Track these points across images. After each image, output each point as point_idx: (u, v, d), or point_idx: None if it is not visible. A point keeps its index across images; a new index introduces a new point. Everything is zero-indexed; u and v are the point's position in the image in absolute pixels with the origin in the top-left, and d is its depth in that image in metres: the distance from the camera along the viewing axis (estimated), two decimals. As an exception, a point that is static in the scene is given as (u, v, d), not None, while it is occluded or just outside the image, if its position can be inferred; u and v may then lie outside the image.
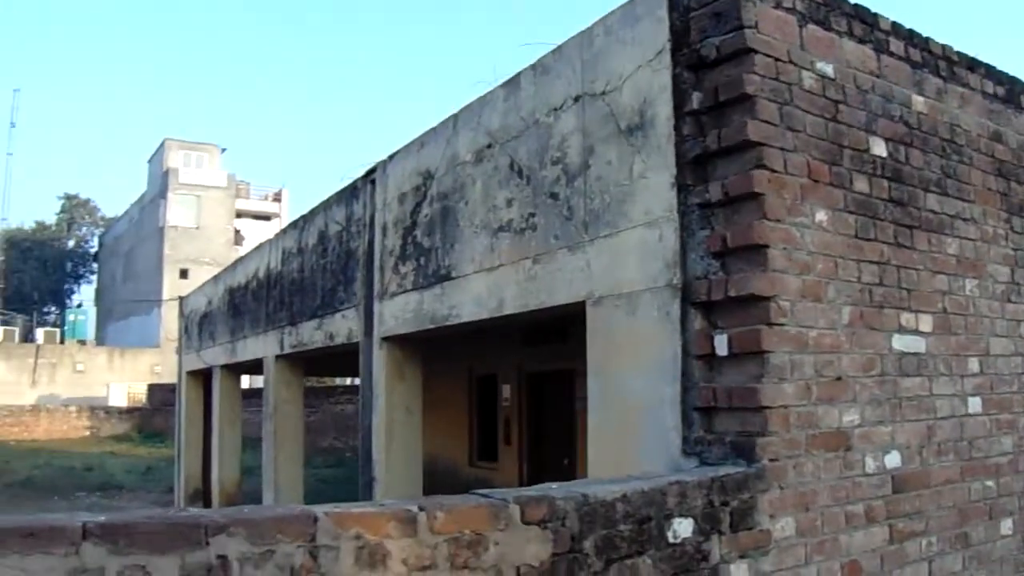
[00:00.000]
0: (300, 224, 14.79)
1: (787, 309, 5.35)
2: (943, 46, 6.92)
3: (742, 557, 5.00)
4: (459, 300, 8.71)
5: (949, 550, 6.33)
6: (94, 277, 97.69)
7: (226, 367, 20.19)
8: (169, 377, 44.49)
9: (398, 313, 10.22)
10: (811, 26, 5.84)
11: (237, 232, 71.73)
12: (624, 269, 6.40)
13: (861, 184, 5.94)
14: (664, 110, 6.02)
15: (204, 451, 22.96)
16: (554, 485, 4.75)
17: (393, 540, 3.82)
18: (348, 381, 41.60)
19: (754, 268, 5.31)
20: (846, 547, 5.59)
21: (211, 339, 21.21)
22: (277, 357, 15.62)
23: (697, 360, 5.65)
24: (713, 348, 5.54)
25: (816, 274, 5.56)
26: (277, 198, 79.63)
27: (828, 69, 5.86)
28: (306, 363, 16.22)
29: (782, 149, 5.44)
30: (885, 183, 6.12)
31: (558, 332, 13.68)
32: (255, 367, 17.74)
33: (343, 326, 12.14)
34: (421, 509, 3.93)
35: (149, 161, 76.50)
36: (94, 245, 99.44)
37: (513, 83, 7.96)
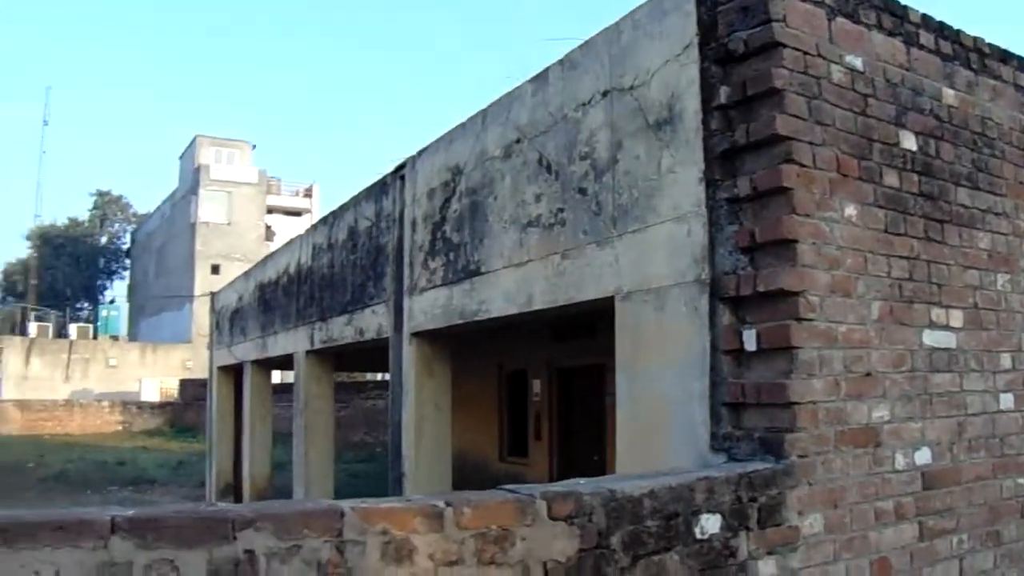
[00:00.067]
0: (330, 220, 14.83)
1: (816, 304, 5.32)
2: (974, 38, 6.85)
3: (770, 553, 4.98)
4: (488, 295, 8.71)
5: (980, 548, 6.28)
6: (126, 273, 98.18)
7: (257, 362, 20.27)
8: (201, 372, 44.62)
9: (427, 308, 10.23)
10: (840, 19, 5.80)
11: (268, 228, 71.95)
12: (652, 264, 6.38)
13: (891, 178, 5.89)
14: (692, 105, 6.00)
15: (235, 446, 23.07)
16: (581, 480, 4.75)
17: (420, 535, 3.83)
18: (379, 376, 41.58)
19: (783, 263, 5.28)
20: (875, 544, 5.56)
21: (242, 334, 21.30)
22: (307, 352, 15.66)
23: (726, 355, 5.63)
24: (742, 343, 5.51)
25: (845, 269, 5.52)
26: (308, 194, 79.78)
27: (857, 62, 5.81)
28: (336, 358, 16.25)
29: (811, 143, 5.40)
30: (915, 177, 6.07)
31: (587, 327, 13.65)
32: (286, 362, 17.80)
33: (373, 321, 12.17)
34: (448, 504, 3.94)
35: (180, 158, 76.83)
36: (126, 241, 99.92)
37: (541, 78, 7.95)
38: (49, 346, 64.96)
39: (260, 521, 3.50)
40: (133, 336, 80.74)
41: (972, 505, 6.24)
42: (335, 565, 3.61)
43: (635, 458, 6.45)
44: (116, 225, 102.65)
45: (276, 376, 23.73)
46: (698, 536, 4.66)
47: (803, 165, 5.34)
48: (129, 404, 55.85)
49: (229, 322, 23.21)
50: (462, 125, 9.51)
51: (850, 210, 5.60)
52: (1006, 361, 6.70)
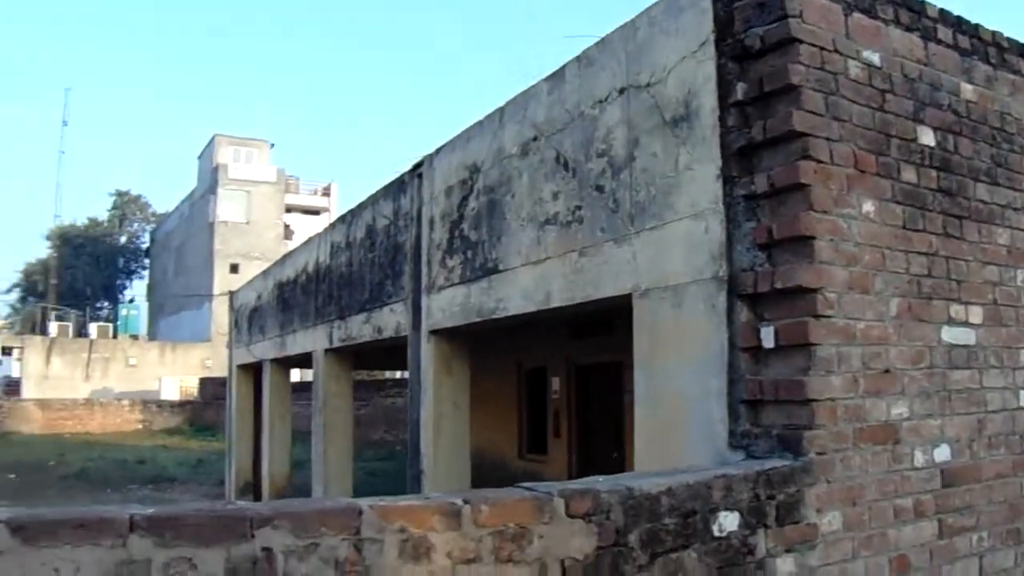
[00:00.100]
0: (348, 218, 14.85)
1: (834, 301, 5.30)
2: (993, 33, 6.82)
3: (788, 551, 4.97)
4: (506, 293, 8.71)
5: (1000, 546, 6.25)
6: (146, 272, 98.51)
7: (276, 361, 20.31)
8: (220, 371, 44.87)
9: (445, 306, 10.24)
10: (856, 14, 5.78)
11: (287, 227, 72.06)
12: (670, 261, 6.37)
13: (909, 174, 5.87)
14: (709, 101, 5.99)
15: (254, 444, 23.10)
16: (599, 478, 4.75)
17: (437, 533, 3.83)
18: (398, 374, 41.70)
19: (800, 260, 5.27)
20: (894, 542, 5.54)
21: (261, 333, 21.35)
22: (326, 351, 15.69)
23: (743, 352, 5.61)
24: (759, 340, 5.50)
25: (863, 265, 5.50)
26: (326, 192, 79.89)
27: (874, 58, 5.79)
28: (355, 357, 16.26)
29: (828, 139, 5.39)
30: (933, 173, 6.04)
31: (605, 325, 13.65)
32: (305, 361, 17.82)
33: (391, 320, 12.18)
34: (466, 502, 3.94)
35: (199, 157, 77.06)
36: (145, 241, 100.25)
37: (558, 76, 7.94)
38: (69, 345, 65.27)
39: (278, 519, 3.51)
40: (152, 335, 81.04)
41: (992, 503, 6.22)
42: (353, 563, 3.62)
43: (653, 455, 6.45)
44: (135, 225, 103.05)
45: (295, 374, 23.79)
46: (716, 534, 4.65)
47: (820, 161, 5.33)
48: (149, 403, 56.02)
49: (248, 321, 23.27)
50: (479, 123, 9.51)
51: (868, 206, 5.58)
52: (1026, 357, 6.67)
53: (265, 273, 21.83)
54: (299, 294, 17.67)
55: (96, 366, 63.79)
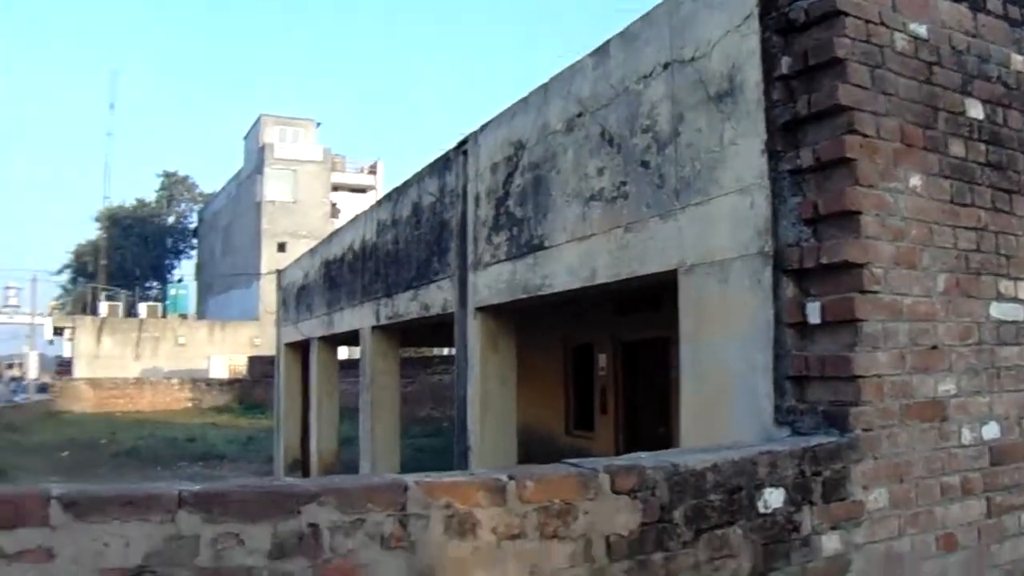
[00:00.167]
0: (394, 196, 14.88)
1: (880, 276, 5.25)
2: (1045, 2, 6.71)
3: (834, 528, 4.95)
4: (552, 270, 8.71)
5: (1050, 525, 6.18)
6: (194, 252, 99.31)
7: (323, 339, 20.43)
8: (268, 349, 45.12)
9: (491, 283, 10.25)
10: (903, -14, 5.70)
11: (333, 205, 72.34)
12: (715, 237, 6.35)
13: (957, 148, 5.78)
14: (753, 75, 5.94)
15: (303, 422, 23.26)
16: (644, 454, 4.74)
17: (483, 509, 3.85)
18: (445, 351, 41.73)
19: (846, 235, 5.22)
20: (941, 520, 5.49)
21: (308, 311, 21.46)
22: (373, 328, 15.76)
23: (789, 328, 5.58)
24: (805, 316, 5.46)
25: (910, 240, 5.44)
26: (372, 170, 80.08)
27: (921, 30, 5.70)
28: (402, 334, 16.33)
29: (874, 113, 5.32)
30: (982, 146, 5.94)
31: (651, 300, 13.59)
32: (352, 338, 17.92)
33: (438, 297, 12.21)
34: (511, 478, 3.95)
35: (245, 137, 77.43)
36: (193, 221, 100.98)
37: (602, 51, 7.92)
38: (119, 325, 66.04)
39: (324, 495, 3.54)
40: (201, 314, 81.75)
41: (1042, 481, 6.14)
42: (398, 539, 3.65)
43: (699, 431, 6.44)
44: (183, 205, 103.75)
45: (343, 352, 23.89)
46: (761, 510, 4.64)
47: (866, 135, 5.26)
48: (198, 381, 56.73)
49: (295, 299, 23.40)
50: (524, 100, 9.50)
51: (915, 180, 5.51)
52: (1077, 334, 6.57)
53: (312, 251, 21.93)
54: (346, 272, 17.75)
55: (146, 345, 64.52)
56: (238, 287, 72.63)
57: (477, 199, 10.73)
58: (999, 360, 5.92)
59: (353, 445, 18.24)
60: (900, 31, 5.56)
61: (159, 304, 78.93)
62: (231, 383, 57.14)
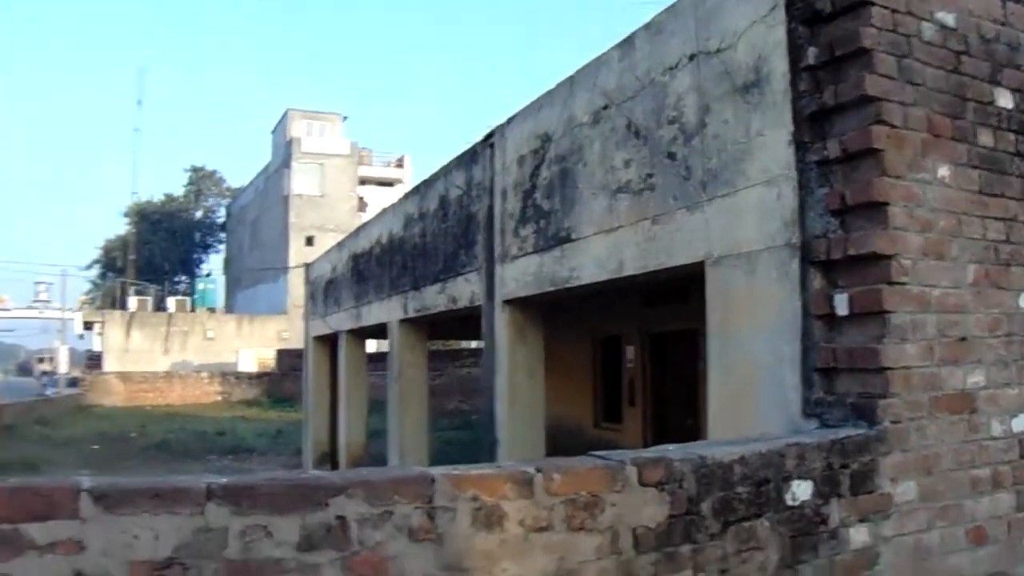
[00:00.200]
0: (421, 189, 14.91)
1: (908, 268, 5.22)
2: (1076, -10, 6.64)
3: (862, 521, 4.93)
4: (579, 262, 8.71)
5: (1082, 520, 6.13)
6: (222, 247, 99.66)
7: (351, 332, 20.48)
8: (297, 343, 45.35)
9: (519, 276, 10.26)
10: (930, -25, 5.66)
11: (361, 199, 72.42)
12: (742, 228, 6.34)
13: (985, 138, 5.73)
14: (779, 66, 5.92)
15: (331, 415, 23.32)
16: (672, 447, 4.74)
17: (510, 501, 3.86)
18: (473, 344, 41.80)
19: (874, 226, 5.20)
20: (971, 513, 5.45)
21: (336, 305, 21.52)
22: (401, 321, 15.79)
23: (817, 320, 5.56)
24: (833, 308, 5.44)
25: (939, 231, 5.40)
26: (399, 164, 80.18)
27: (949, 19, 5.65)
28: (430, 327, 16.34)
29: (901, 103, 5.29)
30: (1011, 136, 5.88)
31: (679, 292, 13.57)
32: (380, 331, 17.94)
33: (465, 290, 12.23)
34: (538, 471, 3.96)
35: (272, 132, 77.58)
36: (221, 215, 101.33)
37: (628, 43, 7.91)
38: (148, 319, 66.48)
39: (351, 488, 3.56)
40: (230, 308, 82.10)
41: (1073, 475, 6.09)
42: (426, 531, 3.67)
43: (727, 423, 6.44)
44: (211, 200, 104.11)
45: (371, 345, 23.94)
46: (789, 503, 4.63)
47: (893, 126, 5.23)
48: (227, 375, 57.03)
49: (323, 293, 23.46)
50: (550, 92, 9.50)
51: (943, 171, 5.47)
52: (1108, 326, 6.52)
53: (340, 245, 21.98)
54: (373, 265, 17.78)
55: (175, 339, 64.91)
56: (266, 281, 72.86)
57: (504, 192, 10.73)
58: (1030, 352, 5.87)
59: (381, 438, 18.28)
60: (927, 20, 5.52)
61: (188, 298, 79.27)
62: (260, 376, 57.39)
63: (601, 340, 20.13)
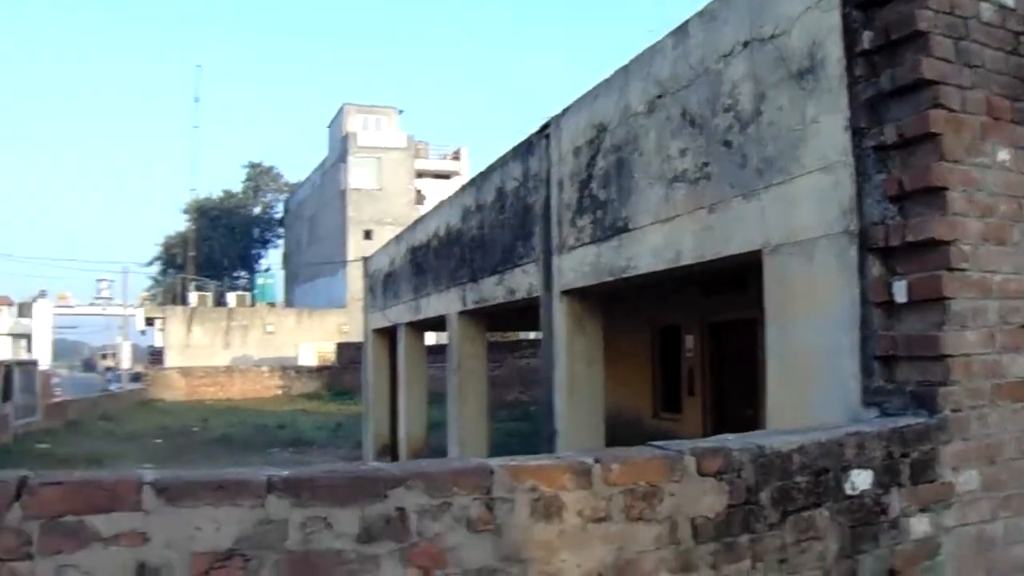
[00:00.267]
0: (478, 182, 14.94)
1: (968, 253, 5.16)
2: None
3: (923, 511, 4.89)
4: (636, 252, 8.70)
5: None
6: (280, 242, 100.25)
7: (410, 324, 20.56)
8: (356, 336, 45.54)
9: (576, 266, 10.26)
10: (989, -45, 5.58)
11: (418, 192, 72.58)
12: (799, 216, 6.29)
13: (1048, 120, 5.65)
14: (834, 52, 5.87)
15: (391, 407, 23.44)
16: (730, 436, 4.73)
17: (568, 492, 3.86)
18: (531, 335, 41.84)
19: (933, 212, 5.14)
20: (1036, 503, 5.39)
21: (395, 297, 21.62)
22: (459, 313, 15.84)
23: (876, 307, 5.51)
24: (892, 295, 5.38)
25: (999, 216, 5.33)
26: (456, 157, 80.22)
27: (1008, -1, 5.59)
28: (488, 319, 16.37)
29: (959, 87, 5.22)
30: (1074, 118, 5.80)
31: (737, 281, 13.50)
32: (439, 324, 18.02)
33: (523, 281, 12.24)
34: (596, 461, 3.97)
35: (328, 126, 77.88)
36: (279, 211, 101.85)
37: (681, 31, 7.87)
38: (209, 314, 67.08)
39: (410, 480, 3.59)
40: (289, 302, 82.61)
41: None
42: (484, 522, 3.68)
43: (786, 412, 6.40)
44: (269, 195, 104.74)
45: (430, 337, 24.03)
46: (848, 492, 4.60)
47: (951, 109, 5.16)
48: (287, 368, 57.52)
49: (382, 286, 23.57)
50: (605, 82, 9.48)
51: (1003, 155, 5.39)
52: None
53: (398, 238, 22.07)
54: (431, 258, 17.84)
55: (235, 334, 65.46)
56: (324, 275, 73.20)
57: (560, 183, 10.73)
58: (1093, 339, 5.77)
59: (442, 430, 18.36)
60: (985, 1, 5.44)
61: (247, 293, 79.85)
62: (320, 370, 57.81)
63: (659, 330, 20.04)
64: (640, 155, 8.61)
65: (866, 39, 5.56)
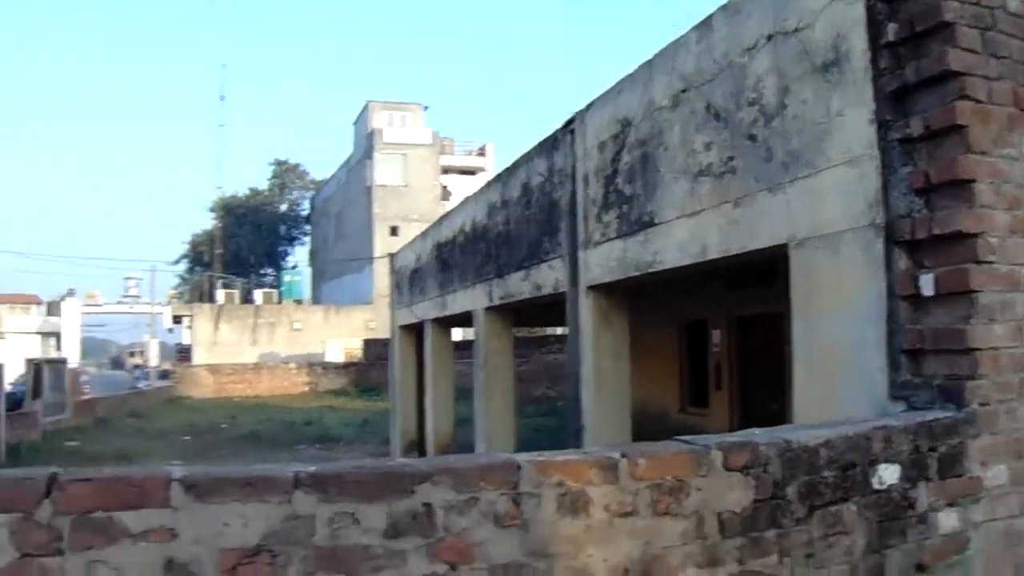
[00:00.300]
0: (503, 177, 14.95)
1: (996, 246, 5.12)
2: None
3: (951, 505, 4.86)
4: (662, 246, 8.69)
5: None
6: (307, 239, 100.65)
7: (437, 320, 20.60)
8: (383, 332, 45.63)
9: (602, 261, 10.25)
10: (1016, -56, 5.54)
11: (444, 188, 72.62)
12: (825, 209, 6.27)
13: (1075, 111, 5.60)
14: (859, 44, 5.84)
15: (418, 403, 23.49)
16: (757, 431, 4.72)
17: (595, 487, 3.87)
18: (558, 331, 41.80)
19: (959, 204, 5.10)
20: (1066, 498, 5.35)
21: (421, 294, 21.66)
22: (486, 309, 15.86)
23: (902, 301, 5.48)
24: (918, 288, 5.35)
25: (1027, 208, 5.30)
26: (481, 152, 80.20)
27: (1035, -11, 5.54)
28: (514, 314, 16.39)
29: (986, 78, 5.17)
30: (1103, 108, 5.75)
31: (763, 275, 13.47)
32: (465, 319, 18.04)
33: (549, 276, 12.24)
34: (623, 456, 3.96)
35: (354, 124, 78.02)
36: (305, 208, 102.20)
37: (705, 25, 7.86)
38: (236, 312, 67.39)
39: (437, 475, 3.60)
40: (316, 299, 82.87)
41: None
42: (512, 517, 3.69)
43: (812, 406, 6.38)
44: (295, 193, 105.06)
45: (457, 333, 24.07)
46: (875, 487, 4.57)
47: (978, 101, 5.12)
48: (315, 365, 57.73)
49: (408, 282, 23.62)
50: (629, 76, 9.48)
51: (1031, 146, 5.36)
52: None
53: (423, 235, 22.11)
54: (457, 254, 17.87)
55: (262, 331, 65.72)
56: (351, 272, 73.35)
57: (586, 178, 10.73)
58: (1123, 331, 5.72)
59: (469, 425, 18.40)
60: (1013, -9, 5.41)
61: (274, 290, 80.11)
62: (347, 366, 57.99)
63: (686, 324, 20.04)
64: (665, 149, 8.60)
65: (891, 31, 5.53)
